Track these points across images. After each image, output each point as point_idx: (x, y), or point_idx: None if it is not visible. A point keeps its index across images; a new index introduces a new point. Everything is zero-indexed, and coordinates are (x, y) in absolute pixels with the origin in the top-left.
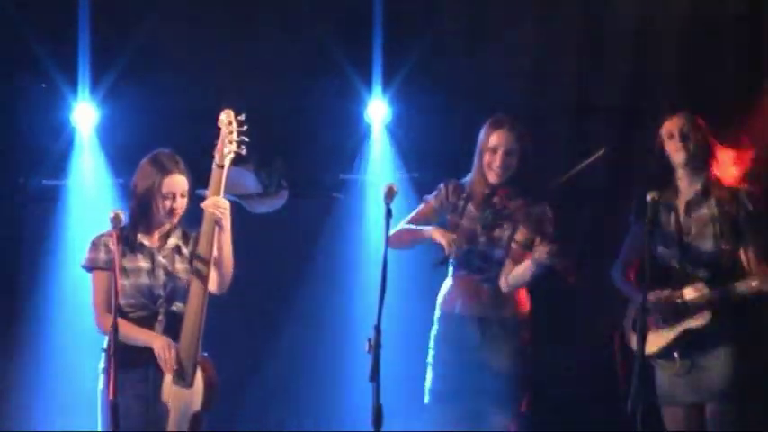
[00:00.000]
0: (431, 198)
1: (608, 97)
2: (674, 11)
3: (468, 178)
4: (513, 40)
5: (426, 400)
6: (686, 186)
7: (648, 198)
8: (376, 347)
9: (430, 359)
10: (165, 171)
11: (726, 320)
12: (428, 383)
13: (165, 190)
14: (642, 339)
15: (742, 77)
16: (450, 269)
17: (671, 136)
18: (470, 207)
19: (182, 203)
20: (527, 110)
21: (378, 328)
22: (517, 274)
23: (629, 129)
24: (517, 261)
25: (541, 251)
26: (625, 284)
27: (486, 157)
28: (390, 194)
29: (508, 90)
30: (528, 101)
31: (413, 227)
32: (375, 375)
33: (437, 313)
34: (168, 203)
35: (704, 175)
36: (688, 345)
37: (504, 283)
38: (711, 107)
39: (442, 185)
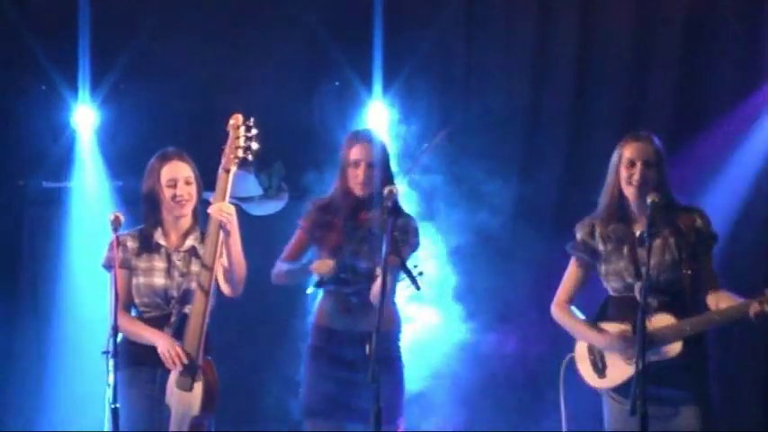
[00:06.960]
0: (302, 221)
1: (608, 98)
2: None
3: (332, 192)
4: (513, 39)
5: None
6: (638, 214)
7: (648, 200)
8: (375, 349)
9: (302, 374)
10: (164, 160)
11: (696, 352)
12: (301, 399)
13: (166, 177)
14: (642, 340)
15: (740, 80)
16: None
17: (631, 164)
18: (336, 221)
19: (187, 190)
20: (527, 109)
21: (378, 331)
22: (376, 285)
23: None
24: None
25: (392, 260)
26: (571, 320)
27: (350, 171)
28: (390, 196)
29: (508, 90)
30: (528, 100)
31: (286, 267)
32: (375, 376)
33: (310, 329)
34: (171, 191)
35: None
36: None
37: (371, 297)
38: (709, 109)
39: (310, 205)
